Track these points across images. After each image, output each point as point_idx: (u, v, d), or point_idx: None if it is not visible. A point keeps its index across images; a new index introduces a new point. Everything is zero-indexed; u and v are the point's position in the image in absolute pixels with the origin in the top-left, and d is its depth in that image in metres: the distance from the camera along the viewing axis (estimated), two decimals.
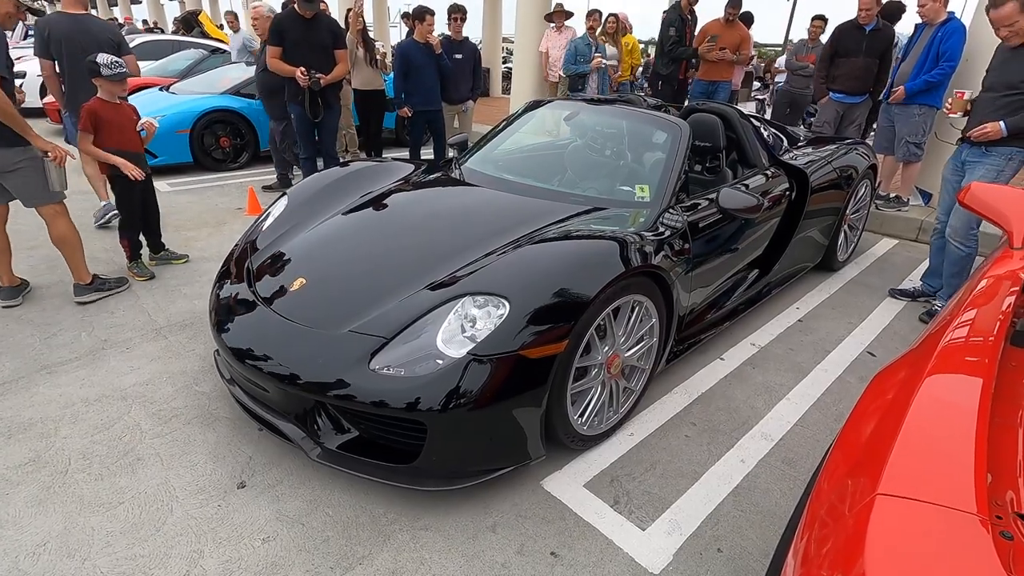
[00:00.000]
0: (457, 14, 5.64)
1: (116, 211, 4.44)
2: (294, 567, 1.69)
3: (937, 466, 0.93)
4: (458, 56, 5.75)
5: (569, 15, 6.83)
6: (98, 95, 3.32)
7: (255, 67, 5.62)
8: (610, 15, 7.00)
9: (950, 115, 3.46)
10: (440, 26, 6.09)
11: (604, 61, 6.43)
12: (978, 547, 0.79)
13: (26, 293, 3.28)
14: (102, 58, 3.24)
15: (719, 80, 6.56)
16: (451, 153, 3.52)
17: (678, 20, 6.04)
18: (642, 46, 8.31)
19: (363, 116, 6.27)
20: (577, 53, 6.60)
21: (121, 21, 20.10)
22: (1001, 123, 3.06)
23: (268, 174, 6.12)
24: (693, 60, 6.49)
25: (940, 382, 1.13)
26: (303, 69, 4.64)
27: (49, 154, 2.96)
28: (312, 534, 1.80)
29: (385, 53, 6.07)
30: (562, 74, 6.87)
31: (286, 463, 2.08)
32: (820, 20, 6.92)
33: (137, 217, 3.55)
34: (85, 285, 3.27)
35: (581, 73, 6.58)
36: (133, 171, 3.32)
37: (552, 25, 7.04)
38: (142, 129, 3.42)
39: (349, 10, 6.02)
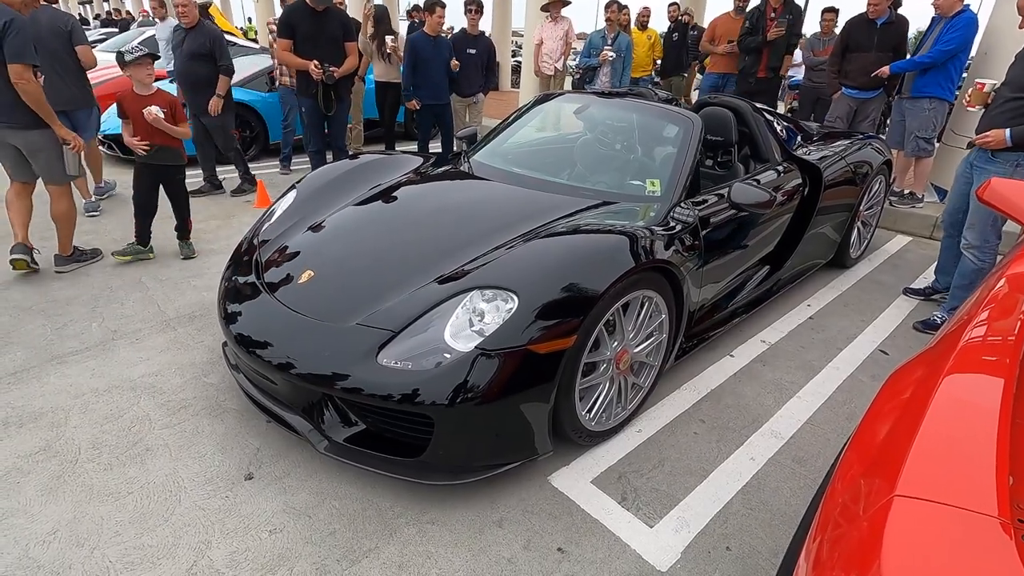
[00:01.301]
0: (473, 6, 5.60)
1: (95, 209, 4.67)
2: (301, 559, 1.69)
3: (957, 467, 0.90)
4: (471, 51, 5.70)
5: (566, 3, 6.70)
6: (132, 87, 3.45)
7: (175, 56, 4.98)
8: (624, 6, 6.91)
9: (968, 108, 3.32)
10: (457, 19, 6.06)
11: (611, 54, 6.36)
12: (999, 551, 0.77)
13: (34, 257, 3.44)
14: (126, 46, 3.37)
15: (730, 73, 6.48)
16: (461, 146, 3.50)
17: (756, 12, 5.87)
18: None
19: (381, 107, 6.30)
20: (591, 46, 6.54)
21: (137, 16, 20.18)
22: (1006, 132, 2.88)
23: (276, 167, 6.12)
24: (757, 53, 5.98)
25: (959, 382, 1.10)
26: (317, 63, 4.62)
27: (70, 143, 3.30)
28: (319, 526, 1.80)
29: (395, 47, 6.05)
30: (558, 67, 6.80)
31: (293, 455, 2.08)
32: (831, 12, 6.78)
33: (142, 204, 3.65)
34: (66, 257, 3.56)
35: (592, 66, 6.52)
36: (137, 147, 3.44)
37: (547, 15, 6.94)
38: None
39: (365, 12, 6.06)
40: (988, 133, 2.97)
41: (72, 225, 3.53)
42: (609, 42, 6.41)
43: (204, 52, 4.64)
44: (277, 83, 5.94)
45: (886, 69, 4.72)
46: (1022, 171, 2.96)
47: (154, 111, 3.36)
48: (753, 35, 5.88)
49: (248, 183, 5.27)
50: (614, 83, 6.47)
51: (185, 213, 3.82)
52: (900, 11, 5.11)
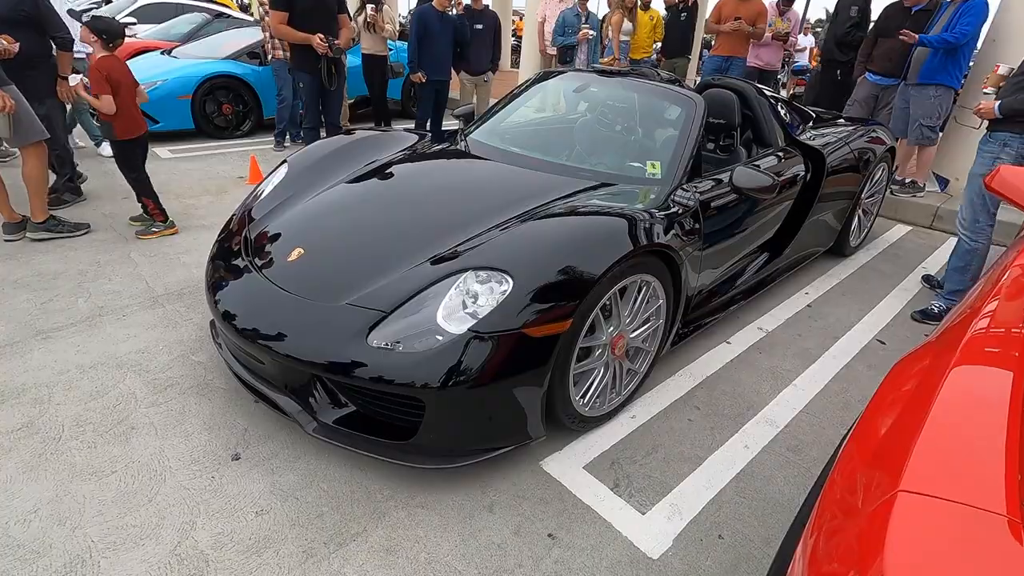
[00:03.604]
0: None
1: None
2: (287, 541, 1.66)
3: (964, 463, 0.87)
4: (479, 26, 5.64)
5: None
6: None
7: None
8: None
9: (984, 90, 3.29)
10: None
11: (591, 32, 6.25)
12: (1007, 550, 0.74)
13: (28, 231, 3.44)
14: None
15: (734, 56, 6.37)
16: (456, 123, 3.42)
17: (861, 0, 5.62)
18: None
19: (369, 82, 6.16)
20: (565, 24, 6.42)
21: None
22: (996, 103, 2.91)
23: (271, 142, 6.01)
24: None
25: (967, 374, 1.06)
26: (321, 36, 4.50)
27: None
28: (306, 509, 1.77)
29: (376, 16, 5.88)
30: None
31: (281, 436, 2.05)
32: None
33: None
34: (38, 223, 3.48)
35: (569, 45, 6.42)
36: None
37: None
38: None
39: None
40: (982, 103, 3.00)
41: (40, 190, 3.44)
42: (584, 20, 6.31)
43: (20, 19, 3.46)
44: (271, 57, 5.79)
45: (915, 36, 4.40)
46: (1009, 151, 2.96)
47: (69, 80, 3.30)
48: (859, 28, 5.42)
49: (70, 193, 4.10)
50: (592, 60, 6.38)
51: (140, 193, 3.61)
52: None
